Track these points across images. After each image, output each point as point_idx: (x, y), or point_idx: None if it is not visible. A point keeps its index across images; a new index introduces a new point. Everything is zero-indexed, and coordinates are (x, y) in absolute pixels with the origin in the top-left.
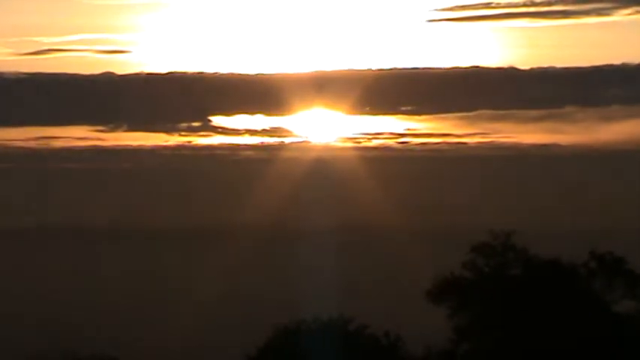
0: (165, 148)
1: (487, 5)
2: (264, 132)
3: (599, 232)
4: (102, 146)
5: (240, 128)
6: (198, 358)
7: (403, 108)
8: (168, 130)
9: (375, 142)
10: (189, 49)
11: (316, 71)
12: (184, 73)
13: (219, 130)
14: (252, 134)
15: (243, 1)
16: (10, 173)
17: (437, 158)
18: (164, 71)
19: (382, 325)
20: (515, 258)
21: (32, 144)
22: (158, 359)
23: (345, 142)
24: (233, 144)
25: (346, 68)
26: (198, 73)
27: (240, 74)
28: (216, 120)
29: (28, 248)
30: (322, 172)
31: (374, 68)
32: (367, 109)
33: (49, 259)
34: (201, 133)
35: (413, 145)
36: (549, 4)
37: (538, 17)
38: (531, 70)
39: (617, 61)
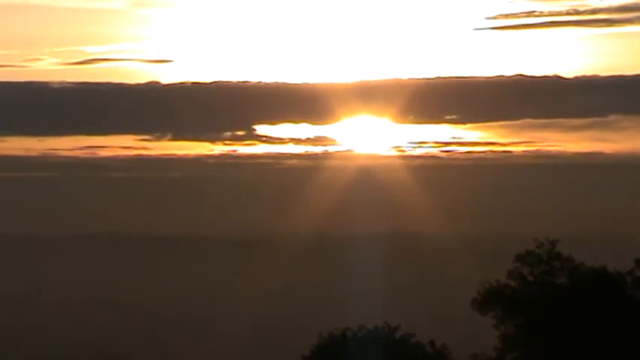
0: (210, 157)
1: (531, 14)
2: (308, 141)
3: None
4: (147, 155)
5: (284, 137)
6: None
7: (448, 117)
8: (213, 140)
9: (419, 151)
10: (234, 58)
11: (361, 80)
12: (229, 82)
13: (264, 139)
14: (296, 143)
15: (288, 10)
16: (57, 181)
17: (482, 166)
18: (209, 80)
19: (428, 333)
20: (561, 266)
21: (79, 153)
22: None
23: (389, 150)
24: (278, 153)
25: (391, 77)
26: (243, 82)
27: (284, 83)
28: (261, 129)
29: (72, 256)
30: (367, 181)
31: (418, 77)
32: (411, 117)
33: (92, 266)
34: (246, 142)
35: (458, 153)
36: (593, 12)
37: (582, 25)
38: (576, 78)
39: None
